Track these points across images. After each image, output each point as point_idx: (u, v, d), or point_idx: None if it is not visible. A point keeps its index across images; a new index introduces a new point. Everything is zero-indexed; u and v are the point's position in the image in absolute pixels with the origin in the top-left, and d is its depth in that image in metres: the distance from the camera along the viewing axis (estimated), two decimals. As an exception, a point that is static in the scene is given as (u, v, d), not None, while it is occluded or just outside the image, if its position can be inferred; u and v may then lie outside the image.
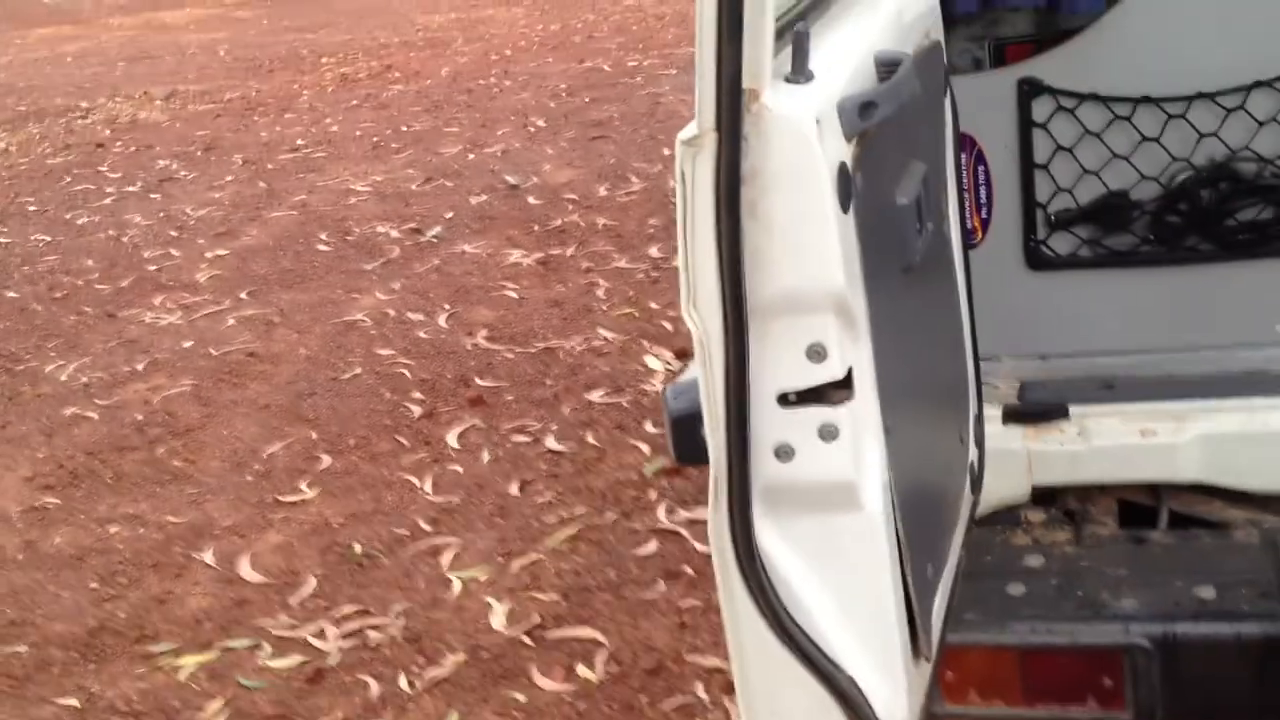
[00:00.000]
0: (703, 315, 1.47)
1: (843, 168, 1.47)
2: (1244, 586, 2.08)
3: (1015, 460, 2.33)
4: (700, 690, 3.17)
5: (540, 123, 9.14)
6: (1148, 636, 2.03)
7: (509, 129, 9.09)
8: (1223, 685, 2.06)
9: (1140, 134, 2.31)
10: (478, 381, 5.07)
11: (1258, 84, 2.24)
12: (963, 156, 2.33)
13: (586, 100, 9.68)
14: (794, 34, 1.50)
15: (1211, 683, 2.06)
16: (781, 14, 1.58)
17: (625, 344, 5.25)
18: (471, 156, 8.48)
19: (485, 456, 4.49)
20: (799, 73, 1.48)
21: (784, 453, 1.52)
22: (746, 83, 1.40)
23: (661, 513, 3.96)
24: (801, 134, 1.43)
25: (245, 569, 3.99)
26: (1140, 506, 2.36)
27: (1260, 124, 2.26)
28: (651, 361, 5.05)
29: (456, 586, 3.76)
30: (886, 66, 1.64)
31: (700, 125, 1.41)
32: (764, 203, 1.45)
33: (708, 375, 1.49)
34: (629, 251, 6.31)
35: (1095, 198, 2.37)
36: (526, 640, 3.47)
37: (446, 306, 5.90)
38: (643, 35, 12.00)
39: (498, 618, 3.58)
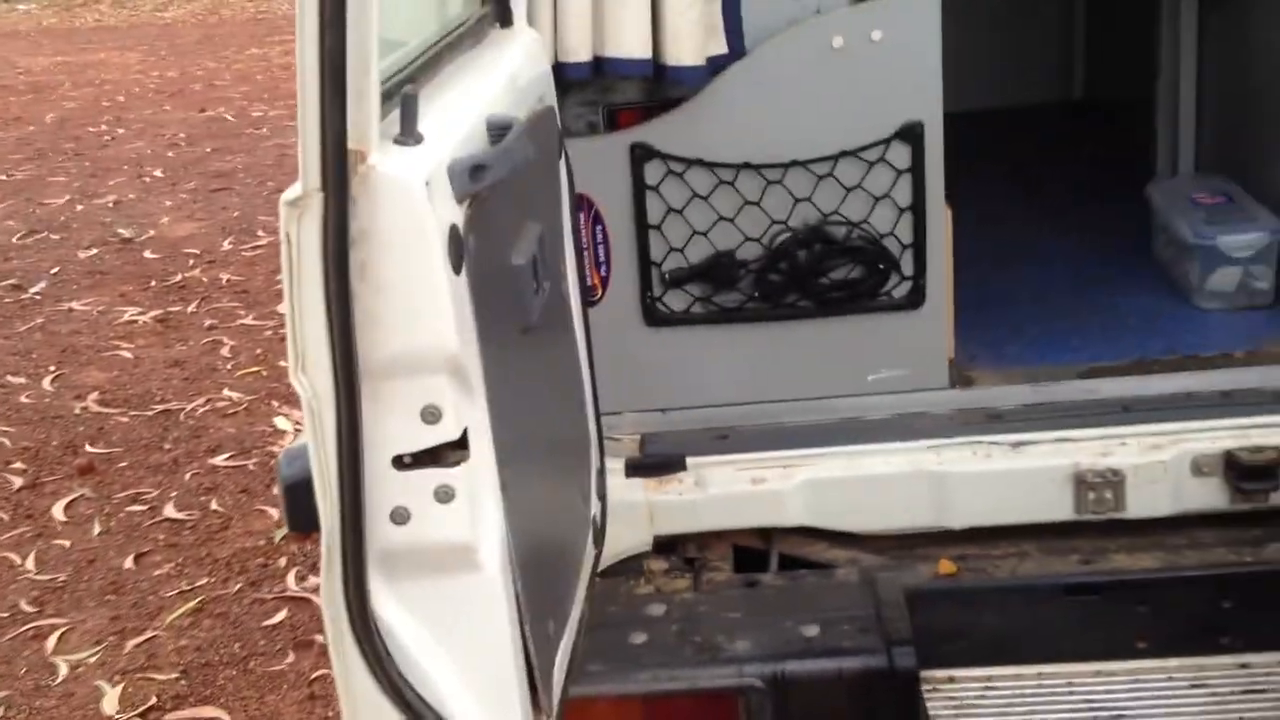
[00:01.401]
0: (311, 379, 1.44)
1: (454, 229, 1.47)
2: (845, 623, 2.22)
3: (637, 511, 2.40)
4: (329, 762, 3.07)
5: (158, 173, 8.72)
6: (760, 676, 2.13)
7: (123, 179, 8.61)
8: (831, 718, 2.18)
9: (743, 198, 2.45)
10: (88, 448, 4.75)
11: (844, 153, 2.42)
12: (580, 217, 2.39)
13: (208, 150, 9.31)
14: (402, 96, 1.50)
15: (821, 717, 2.18)
16: (390, 75, 1.58)
17: (252, 404, 5.05)
18: (80, 207, 7.98)
19: (96, 528, 4.19)
20: (408, 135, 1.47)
21: (400, 516, 1.50)
22: (352, 144, 1.38)
23: (291, 580, 3.83)
24: (410, 196, 1.42)
25: None
26: (753, 551, 2.47)
27: (847, 190, 2.44)
28: (281, 422, 4.89)
29: (63, 670, 3.49)
30: (498, 130, 1.66)
31: (305, 186, 1.38)
32: (374, 265, 1.43)
33: (318, 440, 1.45)
34: (256, 308, 6.09)
35: (705, 257, 2.48)
36: (142, 724, 3.25)
37: (52, 368, 5.50)
38: (268, 85, 11.68)
39: (109, 701, 3.34)
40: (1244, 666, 2.22)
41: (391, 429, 1.48)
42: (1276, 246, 2.87)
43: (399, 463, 1.49)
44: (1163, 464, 2.36)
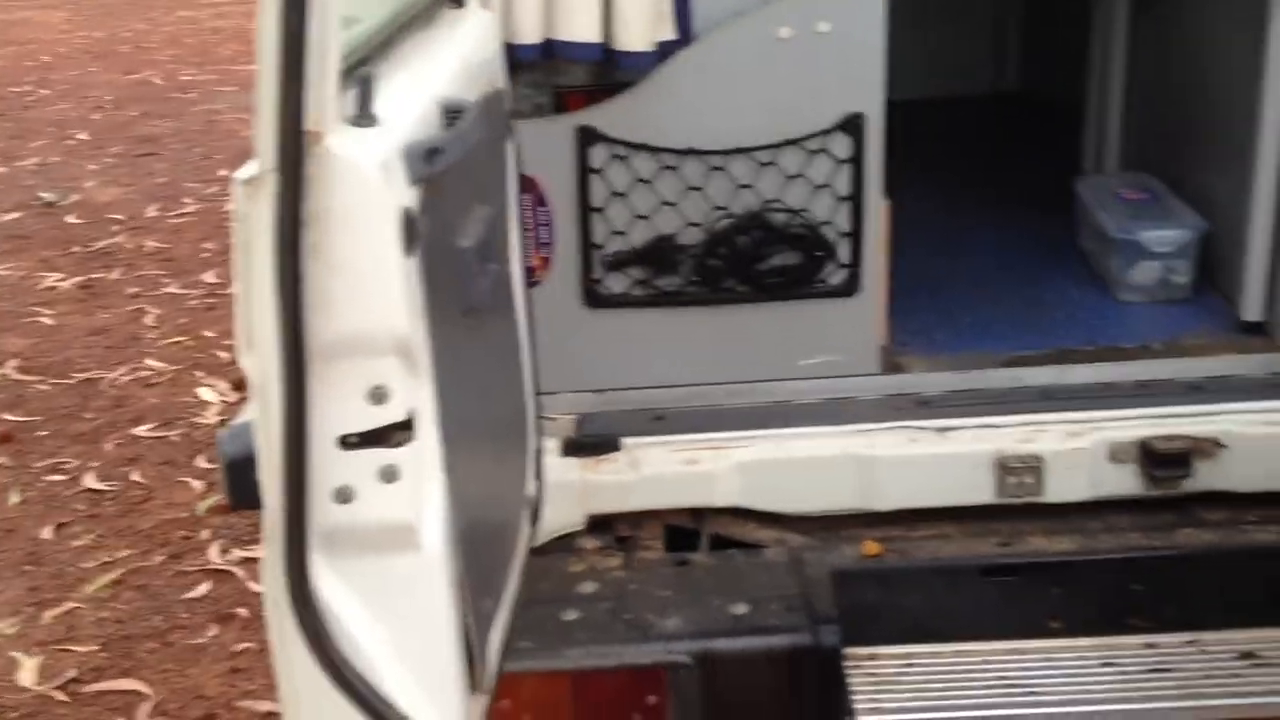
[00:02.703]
0: (260, 357, 1.44)
1: (407, 212, 1.48)
2: (773, 602, 2.27)
3: (572, 491, 2.43)
4: (255, 736, 3.06)
5: (83, 136, 8.54)
6: (689, 653, 2.18)
7: (46, 141, 8.43)
8: (758, 696, 2.24)
9: (686, 183, 2.47)
10: (6, 416, 4.66)
11: (788, 142, 2.45)
12: (525, 198, 2.40)
13: (135, 114, 9.13)
14: (359, 78, 1.50)
15: (747, 693, 2.23)
16: (345, 55, 1.58)
17: (176, 375, 4.99)
18: (1, 169, 7.80)
19: (14, 498, 4.13)
20: (364, 117, 1.48)
21: (343, 495, 1.51)
22: (309, 124, 1.39)
23: (214, 552, 3.80)
24: (365, 178, 1.43)
25: None
26: (685, 530, 2.51)
27: (788, 178, 2.47)
28: (205, 393, 4.83)
29: (-20, 642, 3.44)
30: (451, 112, 1.67)
31: (261, 165, 1.39)
32: (326, 245, 1.44)
33: (265, 418, 1.46)
34: (182, 277, 6.01)
35: (647, 241, 2.51)
36: (60, 696, 3.22)
37: (-30, 333, 5.39)
38: (198, 49, 11.47)
39: (26, 673, 3.30)
40: (1150, 646, 2.31)
41: (338, 409, 1.49)
42: (1195, 243, 2.96)
43: (344, 442, 1.50)
44: (1081, 451, 2.44)
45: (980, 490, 2.45)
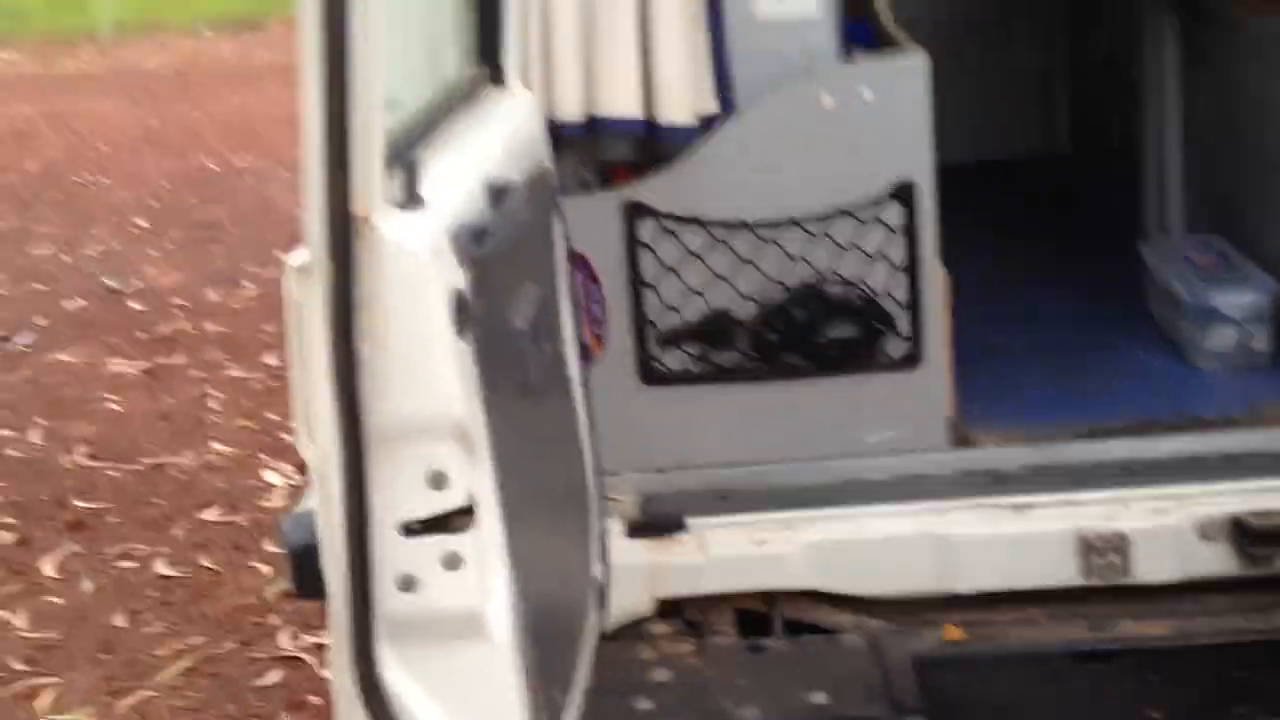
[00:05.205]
0: (319, 443, 1.43)
1: (458, 294, 1.48)
2: (854, 690, 2.20)
3: (639, 574, 2.38)
4: (324, 828, 3.03)
5: (142, 222, 8.69)
6: None
7: (107, 229, 8.58)
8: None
9: (738, 256, 2.45)
10: (77, 503, 4.70)
11: (839, 212, 2.43)
12: (576, 275, 2.40)
13: (193, 200, 9.29)
14: (404, 162, 1.50)
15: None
16: (389, 139, 1.58)
17: (242, 458, 5.01)
18: (66, 258, 7.94)
19: (87, 585, 4.14)
20: (411, 200, 1.48)
21: (407, 583, 1.50)
22: (357, 210, 1.39)
23: (285, 639, 3.78)
24: (415, 261, 1.43)
25: None
26: (757, 614, 2.45)
27: (842, 249, 2.44)
28: (271, 476, 4.85)
29: (54, 731, 3.44)
30: (497, 193, 1.67)
31: (311, 252, 1.39)
32: (379, 329, 1.44)
33: (326, 506, 1.45)
34: (244, 360, 6.06)
35: (701, 315, 2.49)
36: (134, 786, 3.20)
37: (40, 421, 5.45)
38: (250, 133, 11.66)
39: (102, 764, 3.29)
40: None
41: (399, 494, 1.48)
42: (1271, 307, 2.89)
43: (406, 529, 1.49)
44: (1169, 528, 2.34)
45: (1064, 571, 2.36)
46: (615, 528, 2.37)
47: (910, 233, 2.43)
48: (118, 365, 6.06)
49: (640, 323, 2.49)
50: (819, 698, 2.18)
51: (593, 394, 2.15)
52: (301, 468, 4.84)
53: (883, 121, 2.40)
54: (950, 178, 2.54)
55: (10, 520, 4.58)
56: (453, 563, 1.50)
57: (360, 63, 1.36)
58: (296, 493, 4.64)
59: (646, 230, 2.46)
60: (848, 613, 2.40)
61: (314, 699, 3.49)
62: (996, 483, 2.47)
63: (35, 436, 5.29)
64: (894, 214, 2.43)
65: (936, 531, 2.37)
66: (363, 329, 1.41)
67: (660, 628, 2.40)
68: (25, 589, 4.14)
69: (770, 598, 2.45)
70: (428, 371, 1.45)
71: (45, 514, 4.64)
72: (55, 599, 4.07)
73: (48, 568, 4.25)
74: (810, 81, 2.41)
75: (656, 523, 2.41)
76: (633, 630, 2.39)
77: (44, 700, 3.56)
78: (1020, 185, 4.46)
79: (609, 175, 2.57)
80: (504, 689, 1.54)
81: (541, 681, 1.62)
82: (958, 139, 2.99)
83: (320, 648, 3.69)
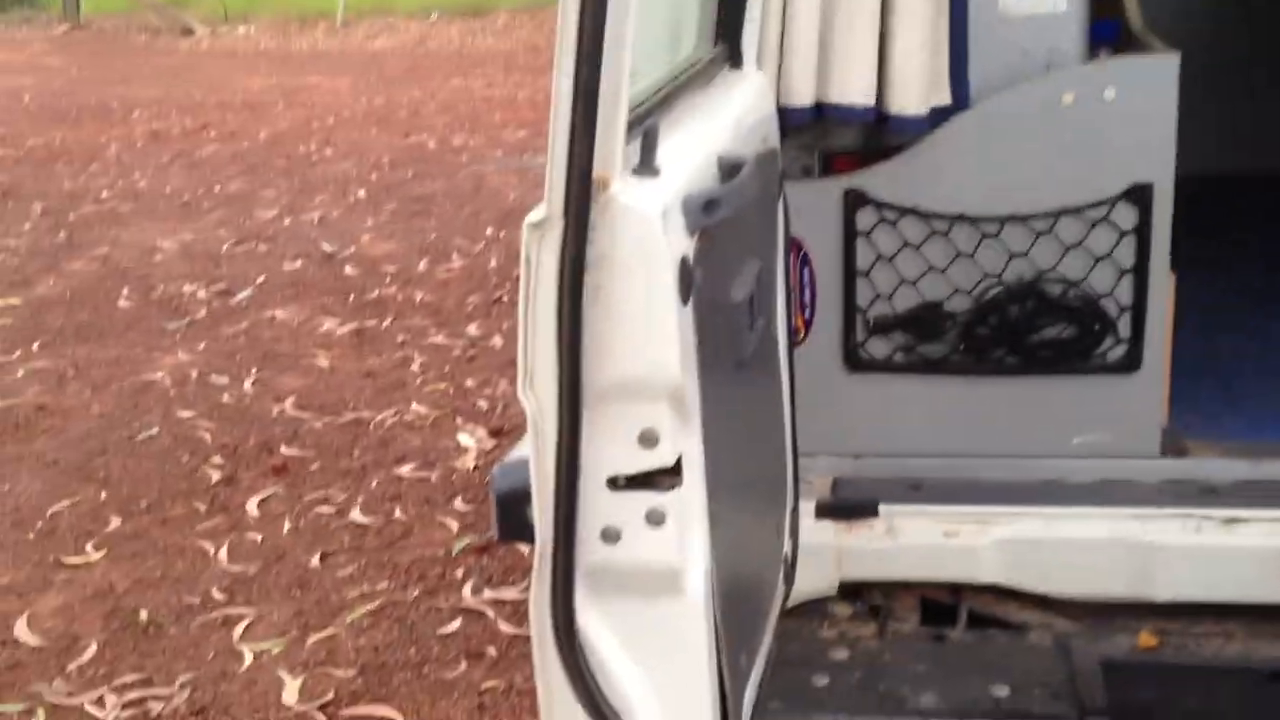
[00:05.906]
0: (538, 396, 1.48)
1: (684, 261, 1.51)
2: (1036, 687, 2.17)
3: (826, 555, 2.40)
4: (496, 774, 3.12)
5: (361, 193, 9.04)
6: None
7: (328, 197, 8.96)
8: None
9: (956, 249, 2.43)
10: (282, 449, 4.93)
11: (1068, 211, 2.38)
12: (790, 258, 2.41)
13: (410, 175, 9.62)
14: (644, 129, 1.54)
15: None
16: (631, 108, 1.63)
17: (438, 419, 5.18)
18: (288, 221, 8.32)
19: (286, 526, 4.35)
20: (647, 166, 1.52)
21: (611, 535, 1.54)
22: (597, 172, 1.43)
23: (467, 591, 3.90)
24: (648, 225, 1.47)
25: (21, 630, 3.76)
26: (941, 604, 2.44)
27: (1067, 248, 2.40)
28: (464, 439, 5.00)
29: (248, 658, 3.62)
30: (729, 168, 1.70)
31: (549, 210, 1.44)
32: (607, 289, 1.48)
33: (539, 456, 1.50)
34: (446, 328, 6.26)
35: (912, 306, 2.48)
36: (319, 716, 3.35)
37: (253, 371, 5.74)
38: (469, 115, 12.02)
39: (290, 692, 3.45)
40: None
41: (609, 450, 1.52)
42: None
43: (614, 483, 1.53)
44: None
45: (1269, 588, 2.30)
46: (807, 508, 2.38)
47: (1142, 236, 2.37)
48: (328, 324, 6.33)
49: (850, 309, 2.50)
50: (1001, 691, 2.17)
51: (795, 375, 2.16)
52: (495, 432, 4.98)
53: (1124, 121, 2.35)
54: (1191, 187, 2.46)
55: (219, 460, 4.83)
56: (656, 519, 1.53)
57: (613, 34, 1.40)
58: (488, 456, 4.78)
59: (865, 218, 2.46)
60: (1036, 611, 2.37)
61: (491, 650, 3.59)
62: (1206, 494, 2.40)
63: (248, 385, 5.57)
64: (1127, 216, 2.37)
65: (1138, 538, 2.33)
66: (591, 288, 1.46)
67: (842, 608, 2.42)
68: (228, 525, 4.36)
69: (956, 590, 2.43)
70: (650, 334, 1.49)
71: (251, 457, 4.88)
72: (255, 536, 4.28)
73: (251, 507, 4.47)
74: (1052, 78, 2.37)
75: (848, 505, 2.42)
76: (814, 608, 2.41)
77: (238, 629, 3.76)
78: (1261, 200, 4.26)
79: (831, 163, 2.57)
80: (695, 646, 1.57)
81: (730, 643, 1.64)
82: (1202, 150, 2.88)
83: (500, 603, 3.79)
